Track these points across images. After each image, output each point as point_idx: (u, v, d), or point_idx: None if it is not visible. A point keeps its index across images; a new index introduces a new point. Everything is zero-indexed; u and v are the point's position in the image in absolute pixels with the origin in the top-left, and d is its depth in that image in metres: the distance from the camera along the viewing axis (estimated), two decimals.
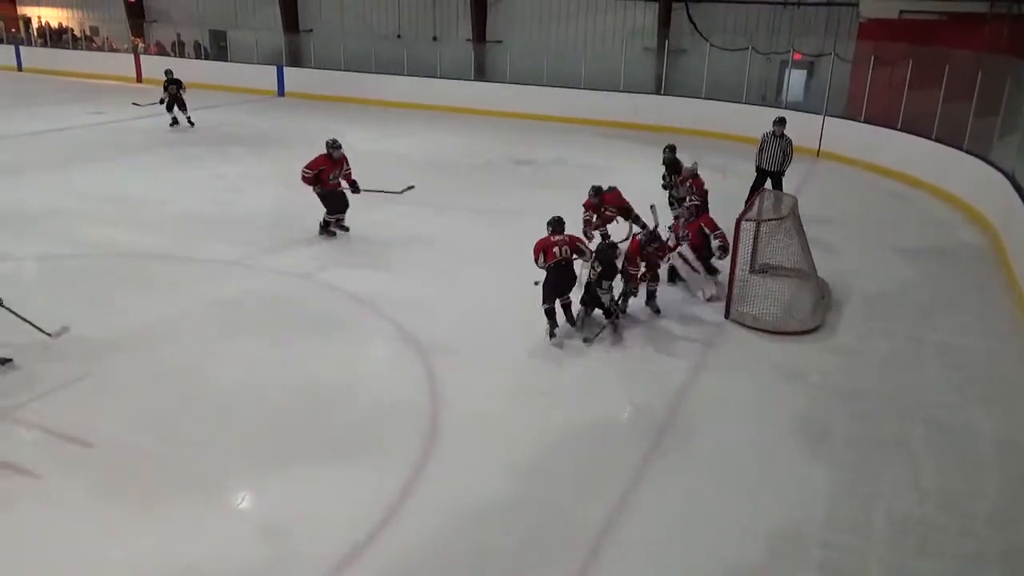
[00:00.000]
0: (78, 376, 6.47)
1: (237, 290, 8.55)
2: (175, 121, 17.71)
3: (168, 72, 17.68)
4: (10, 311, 6.62)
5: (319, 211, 10.08)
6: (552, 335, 7.39)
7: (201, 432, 5.83)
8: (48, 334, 6.76)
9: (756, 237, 8.82)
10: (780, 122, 11.55)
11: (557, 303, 7.49)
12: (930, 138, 13.90)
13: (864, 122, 15.80)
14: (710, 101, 18.79)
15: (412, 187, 10.31)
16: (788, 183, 11.88)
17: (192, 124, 17.82)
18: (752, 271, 8.97)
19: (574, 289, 7.67)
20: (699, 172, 10.05)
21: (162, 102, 17.46)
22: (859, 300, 8.67)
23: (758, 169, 11.73)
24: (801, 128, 16.64)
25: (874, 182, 14.63)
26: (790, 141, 11.57)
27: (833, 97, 17.06)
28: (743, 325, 7.89)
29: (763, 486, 5.43)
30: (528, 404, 6.42)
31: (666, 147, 10.86)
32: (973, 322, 8.30)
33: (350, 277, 8.88)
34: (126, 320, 7.64)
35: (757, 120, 12.10)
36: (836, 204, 12.88)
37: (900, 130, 14.71)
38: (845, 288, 8.88)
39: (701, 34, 20.75)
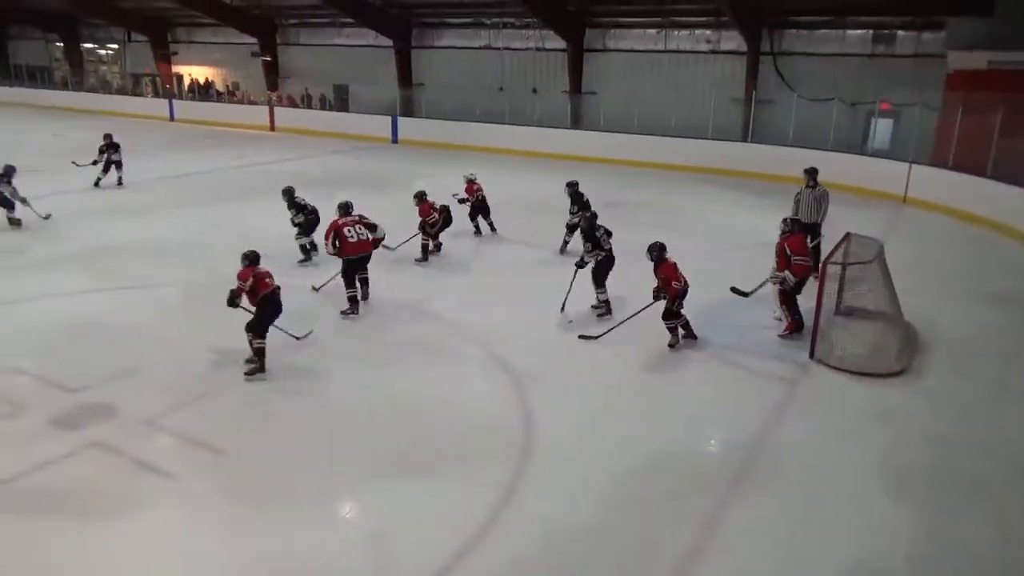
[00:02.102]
0: (210, 389, 6.82)
1: (352, 316, 8.82)
2: (98, 182, 16.33)
3: (107, 136, 16.83)
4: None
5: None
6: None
7: (317, 445, 6.03)
8: (296, 337, 7.69)
9: (841, 280, 8.54)
10: (811, 172, 10.39)
11: None
12: (1020, 185, 13.13)
13: (951, 169, 15.08)
14: (796, 148, 18.31)
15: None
16: (873, 228, 11.38)
17: (121, 184, 16.43)
18: (837, 313, 8.67)
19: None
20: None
21: (95, 163, 16.51)
22: (945, 345, 8.21)
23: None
24: (887, 175, 16.17)
25: (961, 229, 13.89)
26: (825, 192, 10.39)
27: (920, 145, 16.40)
28: (827, 365, 7.59)
29: (846, 525, 5.18)
30: (615, 430, 6.35)
31: (568, 183, 11.32)
32: None
33: (449, 306, 9.06)
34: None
35: (843, 166, 11.73)
36: (922, 249, 12.31)
37: (989, 177, 13.97)
38: (931, 332, 8.43)
39: (788, 85, 20.35)
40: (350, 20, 27.05)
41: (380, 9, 26.12)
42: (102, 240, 11.69)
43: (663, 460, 5.91)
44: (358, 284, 8.90)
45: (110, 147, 16.58)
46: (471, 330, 8.37)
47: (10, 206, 12.63)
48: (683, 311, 7.96)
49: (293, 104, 29.01)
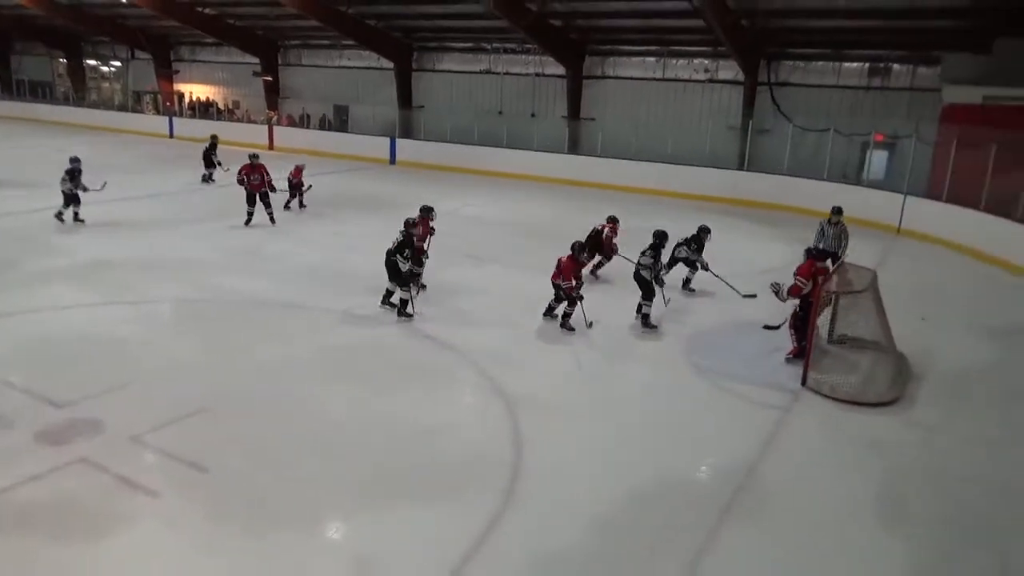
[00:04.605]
0: (200, 408, 6.73)
1: (346, 337, 8.79)
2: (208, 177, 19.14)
3: (213, 137, 19.62)
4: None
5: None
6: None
7: (305, 466, 5.95)
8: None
9: (834, 308, 8.54)
10: (837, 211, 11.36)
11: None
12: (1013, 219, 13.21)
13: (945, 201, 15.17)
14: (791, 178, 18.47)
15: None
16: (867, 258, 11.47)
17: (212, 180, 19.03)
18: (830, 341, 8.67)
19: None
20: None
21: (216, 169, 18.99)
22: (940, 376, 8.20)
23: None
24: (882, 205, 16.27)
25: (955, 260, 13.97)
26: (846, 229, 11.34)
27: (914, 177, 16.52)
28: (819, 393, 7.57)
29: (838, 560, 5.12)
30: (606, 457, 6.30)
31: (704, 228, 10.95)
32: None
33: (442, 328, 9.02)
34: (247, 360, 7.97)
35: (838, 197, 11.93)
36: (916, 280, 12.33)
37: (982, 210, 14.05)
38: (925, 363, 8.42)
39: (784, 115, 20.53)
40: (351, 42, 27.27)
41: (381, 32, 26.35)
42: (95, 255, 11.66)
43: (654, 488, 5.85)
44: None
45: (213, 148, 18.93)
46: (464, 352, 8.33)
47: (77, 202, 13.52)
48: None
49: (293, 124, 29.14)
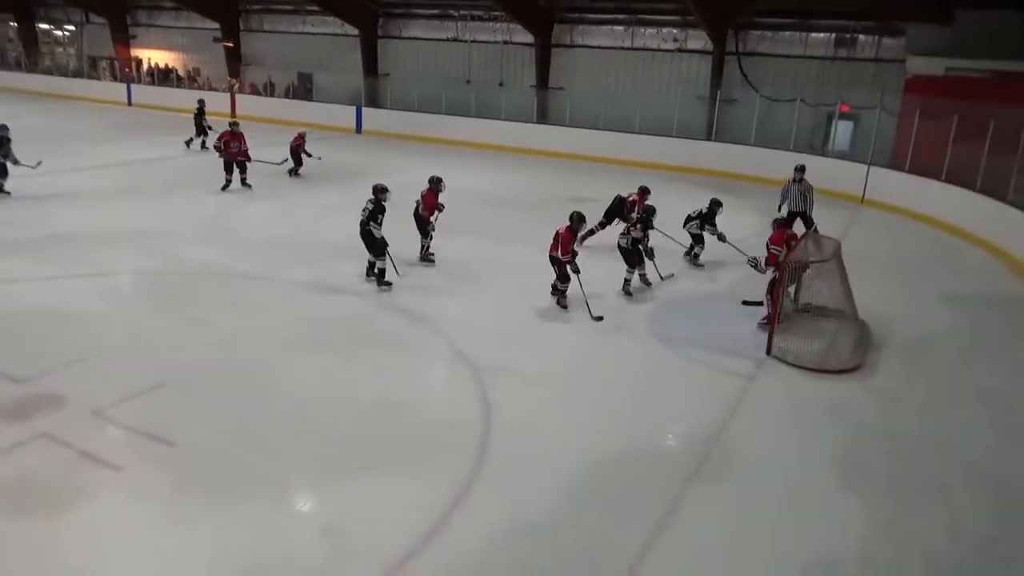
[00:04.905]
0: (164, 381, 6.63)
1: (314, 309, 8.70)
2: (190, 142, 19.21)
3: (200, 102, 19.47)
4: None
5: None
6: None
7: (274, 438, 5.90)
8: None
9: (799, 277, 8.66)
10: (800, 169, 11.70)
11: None
12: (974, 190, 13.46)
13: (908, 172, 15.40)
14: (759, 148, 18.58)
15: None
16: (832, 228, 11.65)
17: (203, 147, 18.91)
18: (795, 310, 8.80)
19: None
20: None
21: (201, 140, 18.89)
22: (900, 343, 8.38)
23: (787, 214, 11.59)
24: (846, 176, 16.47)
25: (917, 230, 14.22)
26: (810, 186, 11.70)
27: (878, 147, 16.73)
28: (784, 361, 7.69)
29: (799, 519, 5.25)
30: (574, 426, 6.35)
31: (716, 200, 10.91)
32: (1015, 369, 7.95)
33: (414, 300, 8.98)
34: (212, 332, 7.85)
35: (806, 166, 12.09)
36: (879, 249, 12.55)
37: (944, 181, 14.29)
38: (886, 330, 8.59)
39: (752, 85, 20.59)
40: (315, 8, 26.64)
41: None
42: (53, 227, 11.34)
43: (621, 454, 5.92)
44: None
45: (202, 113, 18.78)
46: (433, 322, 8.31)
47: (4, 173, 12.96)
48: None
49: (256, 92, 28.47)
